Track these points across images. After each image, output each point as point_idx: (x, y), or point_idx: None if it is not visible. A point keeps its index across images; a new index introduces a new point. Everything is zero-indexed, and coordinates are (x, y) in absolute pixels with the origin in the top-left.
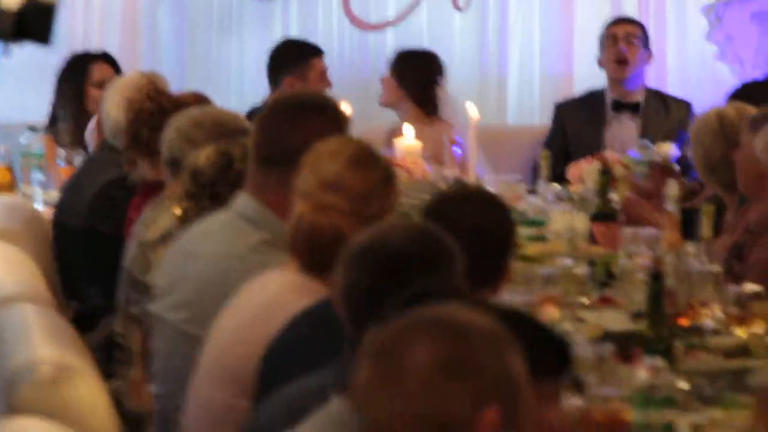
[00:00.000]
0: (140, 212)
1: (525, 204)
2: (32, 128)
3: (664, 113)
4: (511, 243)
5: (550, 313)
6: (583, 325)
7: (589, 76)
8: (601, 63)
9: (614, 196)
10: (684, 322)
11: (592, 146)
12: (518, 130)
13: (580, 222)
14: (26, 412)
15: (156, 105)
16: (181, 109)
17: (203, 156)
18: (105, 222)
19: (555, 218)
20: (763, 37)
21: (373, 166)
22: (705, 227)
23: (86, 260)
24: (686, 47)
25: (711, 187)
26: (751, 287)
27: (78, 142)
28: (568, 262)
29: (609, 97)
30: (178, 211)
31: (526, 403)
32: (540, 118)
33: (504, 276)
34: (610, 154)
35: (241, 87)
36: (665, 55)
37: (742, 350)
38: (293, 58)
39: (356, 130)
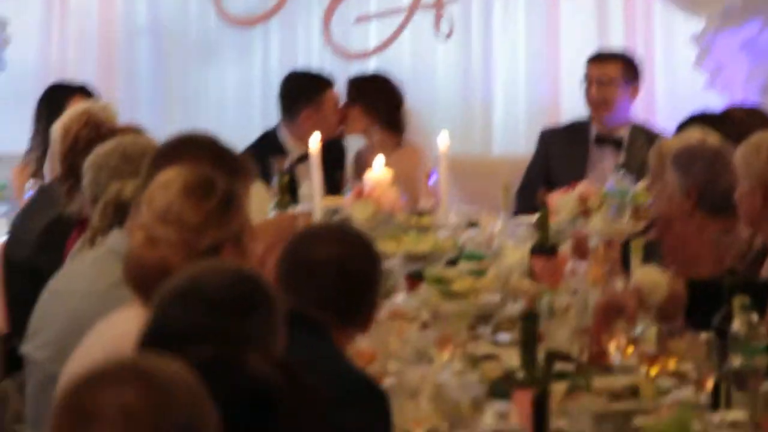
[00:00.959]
0: None
1: (465, 237)
2: None
3: (647, 149)
4: (374, 281)
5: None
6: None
7: (576, 104)
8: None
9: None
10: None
11: (574, 177)
12: (503, 161)
13: None
14: None
15: (92, 135)
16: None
17: (128, 189)
18: (47, 259)
19: (507, 252)
20: (752, 66)
21: (207, 195)
22: (635, 262)
23: (32, 296)
24: (675, 76)
25: None
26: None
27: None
28: (495, 298)
29: (593, 130)
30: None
31: None
32: (526, 147)
33: (371, 314)
34: (586, 186)
35: (221, 116)
36: (654, 83)
37: (631, 392)
38: (308, 90)
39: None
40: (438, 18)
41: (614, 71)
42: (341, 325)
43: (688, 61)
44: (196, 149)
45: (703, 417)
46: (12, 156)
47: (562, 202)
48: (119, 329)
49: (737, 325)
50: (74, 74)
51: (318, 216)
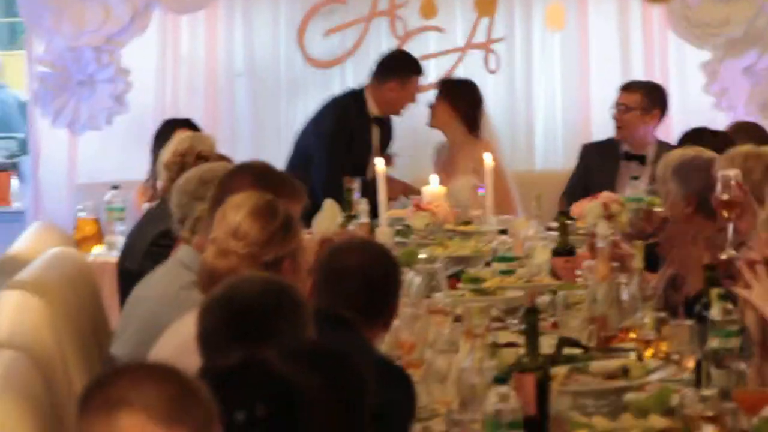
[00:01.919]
0: None
1: (497, 242)
2: (115, 186)
3: None
4: (393, 286)
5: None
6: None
7: (604, 126)
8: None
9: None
10: (614, 343)
11: (605, 187)
12: (544, 175)
13: None
14: None
15: (189, 160)
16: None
17: None
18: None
19: (536, 253)
20: (753, 89)
21: (271, 218)
22: (637, 261)
23: None
24: (687, 99)
25: None
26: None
27: (152, 197)
28: (520, 294)
29: (622, 148)
30: None
31: None
32: (563, 163)
33: (392, 314)
34: (607, 194)
35: None
36: (670, 108)
37: (623, 372)
38: (403, 68)
39: None
40: (487, 56)
41: (633, 99)
42: (367, 323)
43: (698, 86)
44: (251, 176)
45: (682, 392)
46: (133, 183)
47: (587, 208)
48: (186, 332)
49: (715, 312)
50: (184, 113)
51: (384, 225)
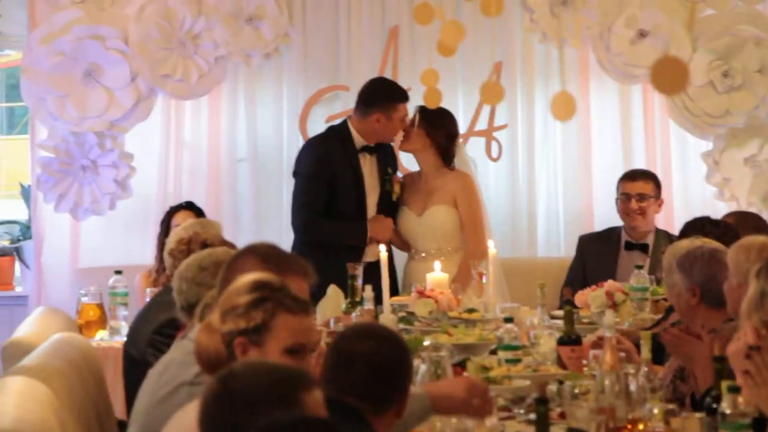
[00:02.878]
0: None
1: (502, 330)
2: (118, 271)
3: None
4: (402, 372)
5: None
6: None
7: (606, 214)
8: (618, 210)
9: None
10: None
11: (606, 278)
12: (546, 263)
13: None
14: None
15: (193, 248)
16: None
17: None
18: (156, 357)
19: (541, 341)
20: (755, 179)
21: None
22: (644, 351)
23: None
24: (689, 189)
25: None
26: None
27: (155, 282)
28: (526, 383)
29: (623, 237)
30: None
31: None
32: (565, 251)
33: (402, 401)
34: (611, 284)
35: None
36: (671, 196)
37: None
38: (386, 97)
39: None
40: (488, 143)
41: (648, 187)
42: (376, 411)
43: (700, 176)
44: (256, 257)
45: None
46: (135, 267)
47: (591, 297)
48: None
49: (725, 405)
50: (187, 198)
51: (387, 312)
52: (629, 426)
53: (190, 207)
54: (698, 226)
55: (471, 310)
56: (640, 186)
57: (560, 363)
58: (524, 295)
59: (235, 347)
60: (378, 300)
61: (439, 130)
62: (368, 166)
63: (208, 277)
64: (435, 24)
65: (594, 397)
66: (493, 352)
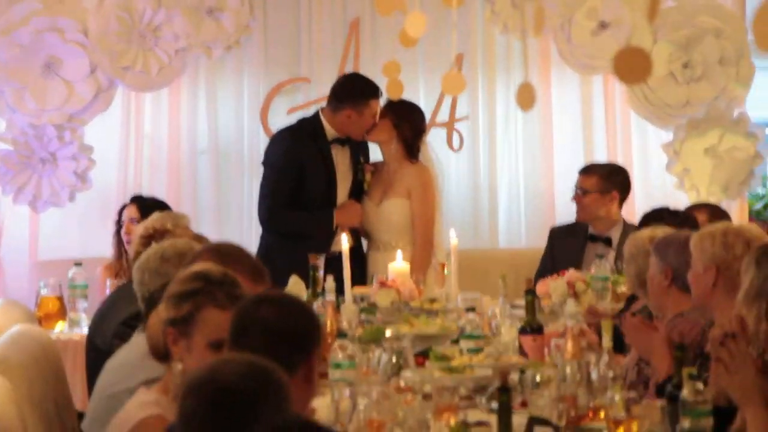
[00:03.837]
0: None
1: (464, 320)
2: (77, 263)
3: None
4: (304, 340)
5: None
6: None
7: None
8: None
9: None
10: (584, 422)
11: (572, 267)
12: (507, 253)
13: None
14: None
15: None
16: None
17: None
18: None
19: (505, 331)
20: (714, 170)
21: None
22: (605, 339)
23: None
24: (649, 179)
25: (642, 299)
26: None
27: (116, 274)
28: (488, 372)
29: (589, 230)
30: None
31: None
32: (526, 241)
33: (309, 367)
34: (572, 273)
35: None
36: (633, 186)
37: None
38: (358, 93)
39: None
40: (449, 134)
41: (591, 184)
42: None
43: (660, 166)
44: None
45: None
46: (95, 260)
47: (553, 287)
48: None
49: (686, 392)
50: (147, 190)
51: (349, 302)
52: (591, 414)
53: (134, 201)
54: (657, 216)
55: (433, 300)
56: (581, 180)
57: (522, 352)
58: (486, 286)
59: (166, 336)
60: (340, 290)
61: (406, 123)
62: (340, 157)
63: (171, 267)
64: (396, 15)
65: (556, 386)
66: (455, 342)
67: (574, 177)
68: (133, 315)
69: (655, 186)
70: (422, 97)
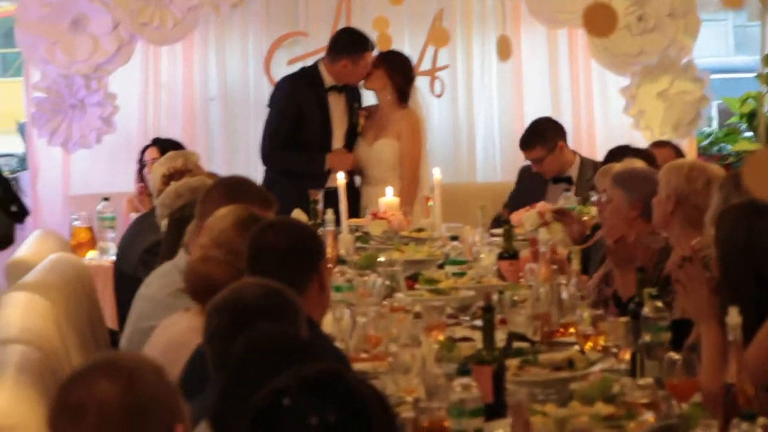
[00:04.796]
0: None
1: (449, 247)
2: (105, 198)
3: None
4: (310, 254)
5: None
6: (461, 345)
7: None
8: None
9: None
10: (556, 337)
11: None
12: (484, 187)
13: None
14: None
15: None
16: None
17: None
18: (145, 273)
19: (485, 257)
20: (666, 111)
21: (251, 228)
22: (575, 263)
23: None
24: (609, 120)
25: None
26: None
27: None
28: (471, 293)
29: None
30: None
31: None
32: (501, 176)
33: (321, 277)
34: (542, 204)
35: None
36: (594, 127)
37: (568, 364)
38: (354, 46)
39: None
40: (432, 81)
41: (536, 155)
42: (297, 293)
43: (619, 108)
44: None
45: (621, 381)
46: (120, 194)
47: (525, 217)
48: (175, 331)
49: (646, 310)
50: (165, 132)
51: (345, 232)
52: (562, 330)
53: (155, 143)
54: (620, 153)
55: (420, 230)
56: (527, 155)
57: (500, 275)
58: (466, 216)
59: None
60: (338, 222)
61: (399, 72)
62: (336, 103)
63: (182, 202)
64: None
65: (530, 305)
66: (441, 267)
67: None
68: (154, 243)
69: (614, 126)
70: (407, 49)
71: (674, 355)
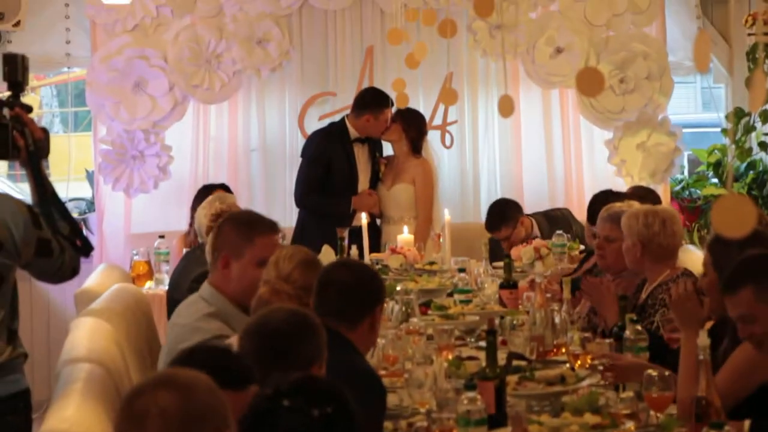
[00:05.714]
0: None
1: (457, 278)
2: (161, 236)
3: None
4: (370, 295)
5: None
6: (467, 363)
7: (532, 189)
8: None
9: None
10: (550, 356)
11: None
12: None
13: None
14: None
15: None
16: None
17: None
18: None
19: (488, 286)
20: (644, 161)
21: (315, 268)
22: (566, 292)
23: None
24: (595, 168)
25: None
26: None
27: (189, 243)
28: (476, 318)
29: None
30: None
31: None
32: None
33: (375, 317)
34: (538, 241)
35: None
36: (582, 174)
37: (561, 379)
38: (375, 103)
39: None
40: (443, 135)
41: (504, 232)
42: (350, 327)
43: (603, 158)
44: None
45: (606, 395)
46: (174, 233)
47: (523, 252)
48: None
49: (628, 332)
50: (213, 179)
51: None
52: (555, 350)
53: (222, 187)
54: (603, 197)
55: (432, 263)
56: (496, 235)
57: (501, 303)
58: (472, 252)
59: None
60: (361, 256)
61: (413, 127)
62: (360, 153)
63: None
64: (402, 44)
65: (528, 328)
66: (450, 295)
67: (538, 168)
68: (201, 274)
69: (599, 172)
70: (421, 106)
71: (652, 372)
